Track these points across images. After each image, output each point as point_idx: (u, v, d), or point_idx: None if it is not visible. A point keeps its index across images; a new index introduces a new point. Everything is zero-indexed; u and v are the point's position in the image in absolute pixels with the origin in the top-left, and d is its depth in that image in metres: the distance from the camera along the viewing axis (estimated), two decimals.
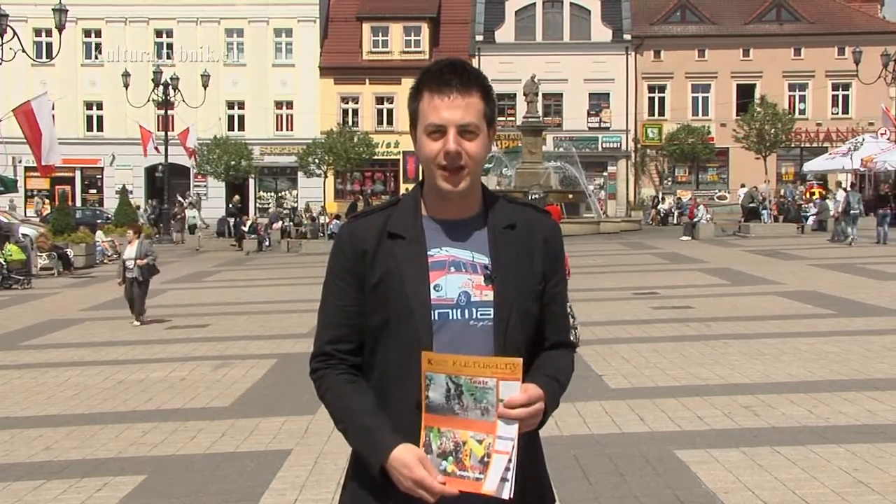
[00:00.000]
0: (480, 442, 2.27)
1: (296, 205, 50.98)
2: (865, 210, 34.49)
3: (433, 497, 2.28)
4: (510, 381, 2.26)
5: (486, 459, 2.26)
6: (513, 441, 2.27)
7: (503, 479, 2.25)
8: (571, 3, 54.14)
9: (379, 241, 2.46)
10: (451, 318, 2.40)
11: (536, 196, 34.88)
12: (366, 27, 54.57)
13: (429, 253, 2.44)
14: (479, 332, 2.40)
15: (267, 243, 36.64)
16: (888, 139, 41.77)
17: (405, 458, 2.30)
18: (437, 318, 2.39)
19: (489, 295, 2.42)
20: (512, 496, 2.27)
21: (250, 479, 6.92)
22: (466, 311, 2.41)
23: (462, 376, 2.28)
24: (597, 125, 54.56)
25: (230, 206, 43.63)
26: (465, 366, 2.28)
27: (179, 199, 44.95)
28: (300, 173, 49.94)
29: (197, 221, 40.47)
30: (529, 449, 2.41)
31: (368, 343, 2.48)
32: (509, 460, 2.26)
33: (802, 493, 6.22)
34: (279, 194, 54.94)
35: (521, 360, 2.28)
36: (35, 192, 52.60)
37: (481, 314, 2.41)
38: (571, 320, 12.67)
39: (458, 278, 2.43)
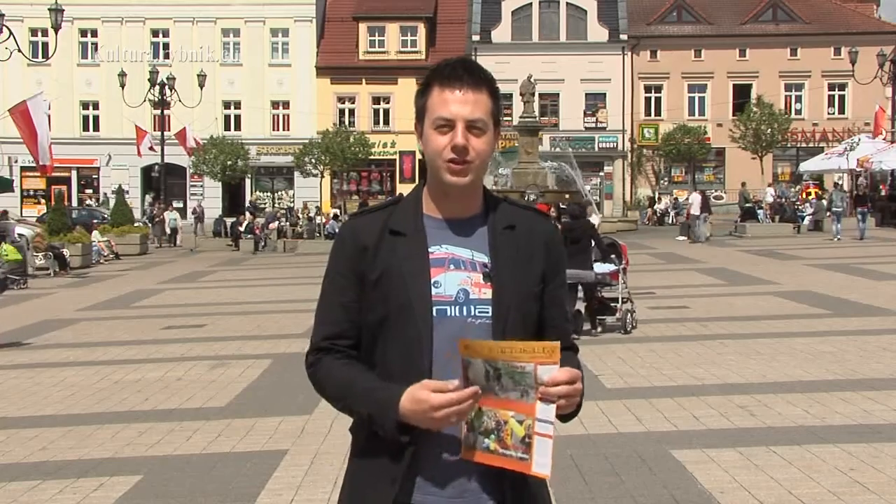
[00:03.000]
0: (521, 423, 2.30)
1: (292, 204, 50.97)
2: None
3: (465, 408, 2.28)
4: (548, 364, 2.28)
5: (527, 440, 2.29)
6: (552, 424, 2.30)
7: (548, 461, 2.29)
8: (568, 3, 54.18)
9: (380, 237, 2.47)
10: (449, 314, 2.41)
11: (533, 196, 34.84)
12: (362, 27, 54.57)
13: (429, 250, 2.45)
14: (478, 329, 2.41)
15: (263, 243, 36.65)
16: (884, 139, 41.84)
17: (415, 395, 2.30)
18: (435, 314, 2.40)
19: (487, 293, 2.43)
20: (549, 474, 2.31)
21: (246, 480, 6.91)
22: (465, 309, 2.42)
23: (499, 361, 2.30)
24: (593, 125, 54.62)
25: (248, 204, 43.67)
26: (503, 352, 2.30)
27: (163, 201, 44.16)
28: (297, 173, 49.98)
29: (177, 224, 40.01)
30: None
31: (367, 340, 2.49)
32: (552, 443, 2.30)
33: (798, 492, 6.23)
34: (276, 194, 54.93)
35: (558, 343, 2.30)
36: (32, 192, 52.51)
37: (479, 312, 2.42)
38: (630, 305, 13.45)
39: (457, 276, 2.44)
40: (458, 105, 2.42)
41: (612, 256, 13.80)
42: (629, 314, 13.39)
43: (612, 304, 13.50)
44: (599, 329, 13.36)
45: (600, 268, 13.56)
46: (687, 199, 35.59)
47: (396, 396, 2.32)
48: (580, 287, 13.08)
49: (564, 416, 2.40)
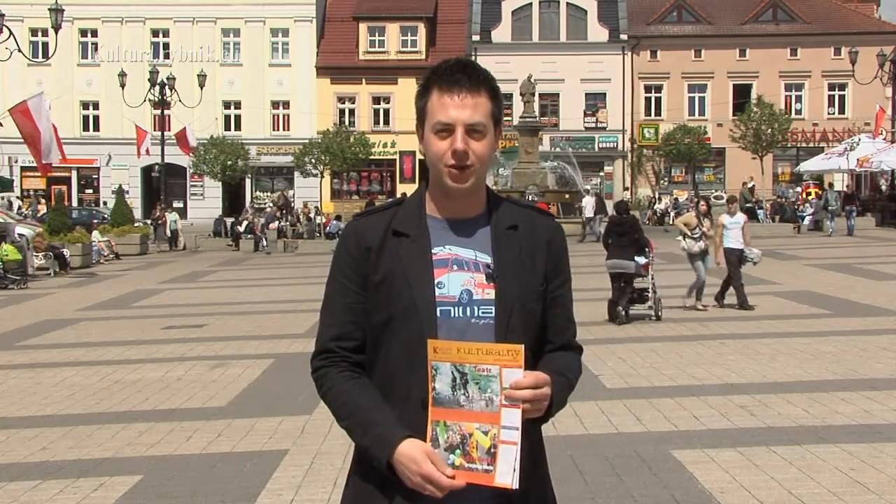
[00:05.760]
0: (486, 433, 2.29)
1: (293, 203, 50.93)
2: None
3: (441, 492, 2.28)
4: (513, 368, 2.28)
5: (492, 450, 2.28)
6: (517, 430, 2.28)
7: (513, 470, 2.27)
8: (568, 3, 54.15)
9: (384, 238, 2.48)
10: (452, 315, 2.42)
11: (533, 196, 34.90)
12: (362, 27, 54.56)
13: (432, 251, 2.45)
14: (481, 329, 2.41)
15: (264, 243, 36.63)
16: (884, 139, 41.87)
17: (412, 453, 2.30)
18: (439, 315, 2.41)
19: (491, 293, 2.43)
20: (517, 486, 2.28)
21: (247, 480, 6.91)
22: (468, 309, 2.42)
23: (466, 364, 2.30)
24: (593, 125, 54.60)
25: (268, 204, 43.52)
26: (469, 353, 2.30)
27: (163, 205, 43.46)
28: (297, 173, 49.96)
29: (178, 226, 39.71)
30: (533, 451, 2.42)
31: (371, 341, 2.49)
32: (517, 450, 2.27)
33: (799, 493, 6.23)
34: (276, 194, 54.89)
35: (522, 346, 2.30)
36: (32, 192, 52.36)
37: (483, 312, 2.43)
38: (653, 294, 14.46)
39: (461, 276, 2.44)
40: (456, 109, 2.41)
41: (646, 250, 14.93)
42: (659, 302, 14.78)
43: (645, 294, 14.83)
44: (625, 318, 14.45)
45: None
46: (581, 202, 36.63)
47: (395, 438, 2.33)
48: (622, 278, 14.50)
49: (536, 420, 2.38)
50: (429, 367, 2.32)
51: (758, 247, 16.94)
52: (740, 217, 16.28)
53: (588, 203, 36.14)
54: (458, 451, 2.30)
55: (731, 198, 18.53)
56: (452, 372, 2.31)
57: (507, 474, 2.26)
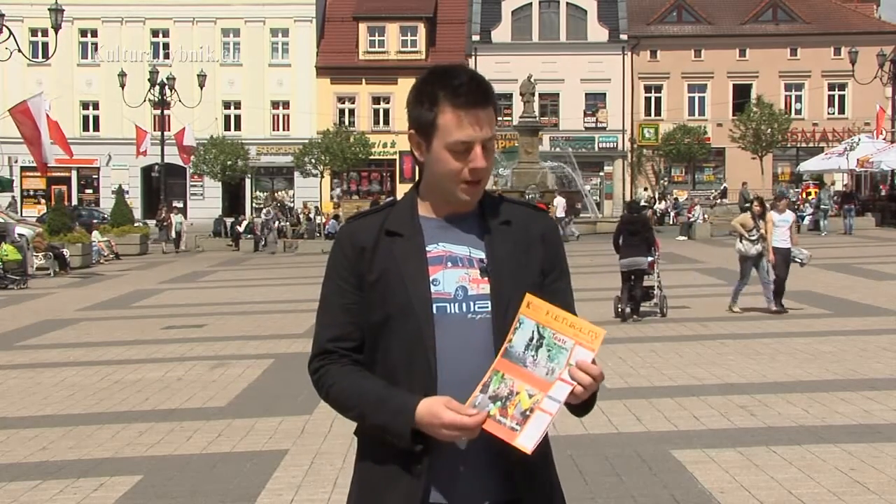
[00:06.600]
0: (531, 396, 2.32)
1: (292, 204, 50.94)
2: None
3: (471, 433, 2.31)
4: (586, 349, 2.34)
5: (527, 413, 2.31)
6: (559, 404, 2.32)
7: (537, 437, 2.30)
8: (568, 3, 54.14)
9: (377, 239, 2.49)
10: (448, 311, 2.43)
11: (532, 196, 34.95)
12: (362, 27, 54.56)
13: (426, 248, 2.47)
14: (478, 324, 2.42)
15: (263, 243, 36.63)
16: (884, 139, 41.87)
17: (431, 408, 2.32)
18: (435, 312, 2.42)
19: (486, 288, 2.44)
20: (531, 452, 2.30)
21: (247, 480, 6.91)
22: (464, 305, 2.44)
23: (548, 329, 2.34)
24: (593, 125, 54.59)
25: (274, 203, 43.50)
26: (556, 319, 2.36)
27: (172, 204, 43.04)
28: (297, 173, 49.97)
29: (182, 227, 39.47)
30: (541, 449, 2.42)
31: (369, 341, 2.50)
32: (550, 421, 2.31)
33: (799, 492, 6.23)
34: (276, 194, 54.88)
35: (604, 332, 2.36)
36: (12, 196, 52.22)
37: (479, 307, 2.44)
38: (659, 292, 14.76)
39: (455, 273, 2.45)
40: (476, 128, 2.42)
41: (652, 248, 15.19)
42: (664, 299, 15.08)
43: (651, 292, 15.12)
44: (635, 317, 14.79)
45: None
46: (553, 203, 36.86)
47: (411, 404, 2.34)
48: (633, 275, 14.76)
49: (575, 409, 2.43)
50: (516, 318, 2.36)
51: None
52: (789, 215, 15.74)
53: (559, 203, 36.25)
54: (498, 403, 2.33)
55: (780, 194, 18.03)
56: (534, 331, 2.35)
57: (530, 438, 2.29)
